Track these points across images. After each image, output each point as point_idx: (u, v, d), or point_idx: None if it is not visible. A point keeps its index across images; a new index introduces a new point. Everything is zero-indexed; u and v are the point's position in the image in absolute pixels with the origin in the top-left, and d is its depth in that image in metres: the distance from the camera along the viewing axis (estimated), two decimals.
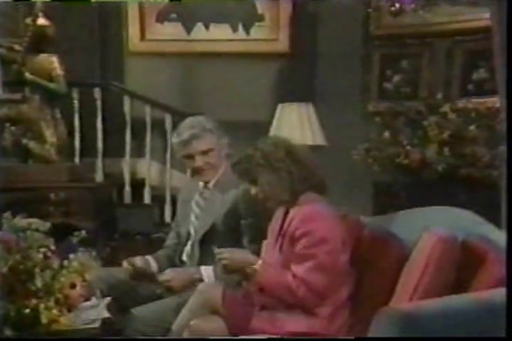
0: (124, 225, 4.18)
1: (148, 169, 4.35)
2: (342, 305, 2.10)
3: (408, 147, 3.84)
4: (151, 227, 4.10)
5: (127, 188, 4.37)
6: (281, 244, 2.13)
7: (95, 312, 2.07)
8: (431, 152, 3.77)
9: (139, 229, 4.05)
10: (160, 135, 4.40)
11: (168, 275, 2.40)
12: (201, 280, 2.37)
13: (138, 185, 4.37)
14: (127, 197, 4.37)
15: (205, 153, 2.46)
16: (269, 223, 2.25)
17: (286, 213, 2.17)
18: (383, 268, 2.09)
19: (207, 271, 2.39)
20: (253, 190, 2.17)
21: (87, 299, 2.12)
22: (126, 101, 4.34)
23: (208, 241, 2.43)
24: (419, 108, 3.88)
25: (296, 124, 3.61)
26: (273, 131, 3.73)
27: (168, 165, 4.28)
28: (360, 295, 2.12)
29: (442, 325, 1.65)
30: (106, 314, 2.08)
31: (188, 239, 2.55)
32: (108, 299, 2.16)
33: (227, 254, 2.11)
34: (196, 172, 2.52)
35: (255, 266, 2.07)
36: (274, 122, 3.74)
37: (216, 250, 2.13)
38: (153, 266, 2.52)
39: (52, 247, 2.06)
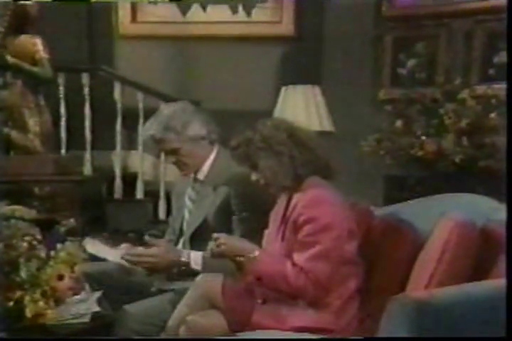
0: (114, 222, 4.21)
1: (140, 162, 4.38)
2: (350, 298, 2.12)
3: (423, 137, 3.86)
4: (144, 225, 4.13)
5: (118, 182, 4.41)
6: (284, 232, 2.15)
7: (85, 306, 2.10)
8: (447, 142, 3.79)
9: (131, 227, 4.08)
10: None
11: (155, 251, 2.40)
12: (187, 264, 2.39)
13: (129, 179, 4.41)
14: (118, 192, 4.40)
15: (172, 152, 2.50)
16: (265, 216, 2.28)
17: (289, 199, 2.20)
18: (396, 257, 2.12)
19: (196, 257, 2.41)
20: (254, 176, 2.19)
21: (76, 293, 2.15)
22: (117, 88, 4.38)
23: (198, 238, 2.45)
24: (435, 95, 3.90)
25: (301, 108, 3.64)
26: (276, 115, 3.75)
27: (163, 158, 4.31)
28: (371, 287, 2.14)
29: (459, 314, 1.68)
30: (96, 308, 2.11)
31: (180, 236, 2.59)
32: (99, 292, 2.18)
33: (225, 240, 2.13)
34: (174, 165, 2.56)
35: (252, 255, 2.10)
36: (278, 106, 3.77)
37: (215, 234, 2.15)
38: None
39: (38, 236, 2.08)
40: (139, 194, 4.38)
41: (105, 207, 4.34)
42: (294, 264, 2.06)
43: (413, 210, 2.27)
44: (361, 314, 2.12)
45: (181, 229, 2.59)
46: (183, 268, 2.40)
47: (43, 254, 2.06)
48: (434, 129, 3.87)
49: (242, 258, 2.10)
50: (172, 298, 2.36)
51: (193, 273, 2.37)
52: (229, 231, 2.42)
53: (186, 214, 2.59)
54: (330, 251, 2.05)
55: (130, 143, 4.56)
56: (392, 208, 2.41)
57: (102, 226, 4.09)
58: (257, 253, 2.10)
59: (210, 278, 2.23)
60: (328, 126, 3.78)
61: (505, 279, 1.79)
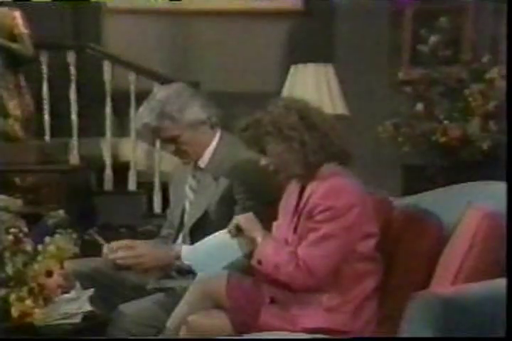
0: (104, 217, 4.24)
1: (133, 150, 4.41)
2: (368, 297, 2.14)
3: (446, 122, 3.89)
4: (137, 219, 4.17)
5: (108, 173, 4.44)
6: (297, 224, 2.18)
7: (76, 305, 2.13)
8: (473, 127, 3.81)
9: (123, 221, 4.12)
10: None
11: (141, 249, 2.41)
12: (178, 262, 2.40)
13: (121, 169, 4.43)
14: (108, 184, 4.43)
15: (170, 140, 2.50)
16: (271, 207, 2.31)
17: (303, 189, 2.22)
18: (419, 251, 2.14)
19: (188, 251, 2.40)
20: (263, 161, 2.21)
21: (66, 291, 2.17)
22: (106, 68, 4.39)
23: (198, 232, 2.46)
24: (461, 74, 3.92)
25: (312, 89, 3.66)
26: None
27: (158, 145, 4.33)
28: (391, 284, 2.16)
29: (489, 311, 1.70)
30: (88, 307, 2.14)
31: (180, 230, 2.60)
32: (91, 291, 2.21)
33: (243, 216, 2.21)
34: (174, 154, 2.58)
35: (260, 238, 2.16)
36: (286, 87, 3.79)
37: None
38: None
39: (25, 229, 2.11)
40: (132, 185, 4.40)
41: (94, 199, 4.37)
42: (293, 252, 2.10)
43: (436, 200, 2.29)
44: (380, 314, 2.14)
45: (182, 222, 2.60)
46: (177, 264, 2.42)
47: (29, 248, 2.08)
48: (459, 113, 3.90)
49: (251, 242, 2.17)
50: (171, 297, 2.38)
51: (186, 272, 2.39)
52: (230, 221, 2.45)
53: (187, 206, 2.61)
54: (331, 238, 2.07)
55: (121, 129, 4.60)
56: (413, 198, 2.43)
57: (91, 221, 4.12)
58: (263, 237, 2.15)
59: (213, 275, 2.25)
60: (341, 109, 3.80)
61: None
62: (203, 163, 2.57)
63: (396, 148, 4.01)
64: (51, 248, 2.10)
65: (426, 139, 3.93)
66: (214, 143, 2.55)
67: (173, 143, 2.50)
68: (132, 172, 4.41)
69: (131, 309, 2.37)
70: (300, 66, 3.78)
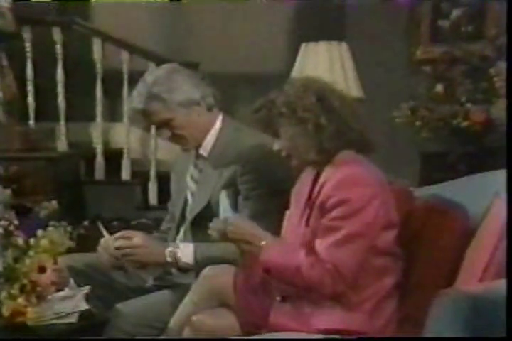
0: (95, 208, 4.26)
1: (126, 136, 4.42)
2: (387, 295, 2.16)
3: (468, 104, 3.91)
4: (131, 211, 4.19)
5: (99, 161, 4.45)
6: (309, 215, 2.19)
7: (71, 303, 2.15)
8: (498, 110, 3.82)
9: (116, 214, 4.14)
10: None
11: (137, 240, 2.43)
12: (176, 258, 2.43)
13: (113, 157, 4.45)
14: (99, 173, 4.45)
15: (163, 124, 2.52)
16: (278, 198, 2.34)
17: (317, 177, 2.23)
18: (443, 246, 2.15)
19: (185, 250, 2.44)
20: (276, 145, 2.23)
21: (59, 289, 2.20)
22: (96, 46, 4.39)
23: (200, 225, 2.46)
24: (485, 51, 3.92)
25: (324, 69, 3.67)
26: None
27: (153, 131, 4.34)
28: (412, 281, 2.18)
29: None
30: (85, 306, 2.17)
31: (181, 224, 2.62)
32: (87, 288, 2.24)
33: (234, 220, 2.16)
34: (170, 141, 2.59)
35: (263, 243, 2.13)
36: (296, 67, 3.80)
37: (223, 210, 2.19)
38: None
39: (15, 221, 2.13)
40: (125, 175, 4.42)
41: (84, 190, 4.39)
42: (310, 253, 2.10)
43: (461, 190, 2.31)
44: (400, 314, 2.16)
45: (183, 215, 2.63)
46: (172, 262, 2.45)
47: (21, 242, 2.10)
48: (482, 94, 3.91)
49: (249, 246, 2.14)
50: (173, 295, 2.42)
51: (186, 269, 2.43)
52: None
53: (189, 198, 2.63)
54: (357, 237, 2.09)
55: (113, 114, 4.62)
56: (435, 188, 2.45)
57: (81, 213, 4.14)
58: (265, 241, 2.14)
59: (219, 271, 2.27)
60: (356, 91, 3.81)
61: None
62: (204, 150, 2.58)
63: (413, 133, 4.02)
64: (44, 242, 2.12)
65: (446, 124, 3.95)
66: (216, 128, 2.57)
67: (167, 127, 2.52)
68: (126, 161, 4.43)
69: (129, 308, 2.40)
70: (311, 44, 3.79)
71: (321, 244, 2.10)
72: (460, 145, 3.96)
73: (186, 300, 2.27)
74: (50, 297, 2.15)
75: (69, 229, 2.18)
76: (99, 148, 4.45)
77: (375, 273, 2.15)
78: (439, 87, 4.00)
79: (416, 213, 2.25)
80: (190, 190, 2.63)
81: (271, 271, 2.12)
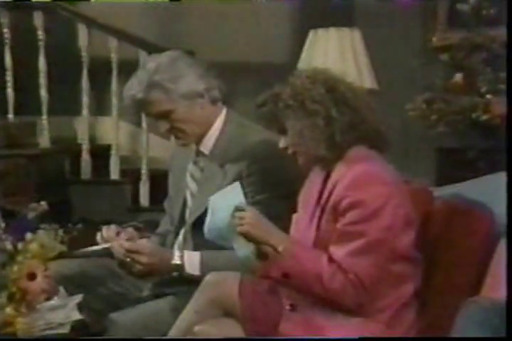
0: (81, 210, 4.28)
1: (115, 132, 4.43)
2: (406, 304, 2.18)
3: (489, 96, 3.91)
4: (120, 213, 4.19)
5: (85, 158, 4.46)
6: (320, 218, 2.21)
7: (63, 313, 2.18)
8: None
9: (104, 216, 4.14)
10: None
11: (142, 246, 2.47)
12: (180, 268, 2.45)
13: (100, 154, 4.47)
14: (86, 171, 4.46)
15: (163, 116, 2.53)
16: (289, 201, 2.35)
17: (327, 176, 2.26)
18: (467, 250, 2.18)
19: (191, 259, 2.47)
20: (282, 143, 2.25)
21: (49, 297, 2.22)
22: (82, 32, 4.39)
23: (201, 229, 2.43)
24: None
25: (335, 58, 3.68)
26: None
27: (145, 125, 4.37)
28: (433, 289, 2.21)
29: None
30: (77, 316, 2.19)
31: (180, 227, 2.64)
32: (79, 297, 2.26)
33: (251, 218, 2.17)
34: (168, 134, 2.61)
35: (282, 246, 2.15)
36: (303, 56, 3.81)
37: (237, 206, 2.20)
38: None
39: (2, 224, 2.15)
40: (114, 173, 4.44)
41: (69, 190, 4.40)
42: (330, 260, 2.13)
43: (485, 190, 2.33)
44: (421, 323, 2.19)
45: (183, 218, 2.65)
46: (176, 273, 2.48)
47: (9, 247, 2.12)
48: (505, 85, 3.91)
49: (267, 248, 2.16)
50: (172, 304, 2.45)
51: (189, 280, 2.44)
52: None
53: (189, 198, 2.65)
54: (378, 244, 2.11)
55: (100, 107, 4.63)
56: (456, 187, 2.47)
57: (66, 215, 4.16)
58: (286, 244, 2.16)
59: (223, 277, 2.29)
60: (370, 82, 3.83)
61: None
62: (206, 147, 2.60)
63: (429, 128, 4.02)
64: (33, 246, 2.14)
65: (465, 117, 3.94)
66: (219, 123, 2.59)
67: (167, 120, 2.53)
68: (114, 158, 4.44)
69: (125, 318, 2.42)
70: (320, 31, 3.80)
71: (339, 252, 2.12)
72: (480, 141, 3.97)
73: (187, 308, 2.29)
74: (39, 306, 2.17)
75: (60, 232, 2.20)
76: (85, 145, 4.46)
77: (393, 280, 2.17)
78: (458, 77, 4.00)
79: (436, 214, 2.28)
80: (190, 190, 2.65)
81: (291, 276, 2.14)
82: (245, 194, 2.44)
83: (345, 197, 2.13)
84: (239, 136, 2.57)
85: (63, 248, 2.20)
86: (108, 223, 4.07)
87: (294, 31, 4.47)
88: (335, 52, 3.73)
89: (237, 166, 2.52)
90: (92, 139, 4.55)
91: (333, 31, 3.79)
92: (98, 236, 2.55)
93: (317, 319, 2.17)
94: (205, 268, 2.43)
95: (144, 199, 4.38)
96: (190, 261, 2.47)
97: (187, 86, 2.52)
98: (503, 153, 3.85)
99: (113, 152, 4.44)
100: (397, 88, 4.23)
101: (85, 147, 4.46)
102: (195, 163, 2.65)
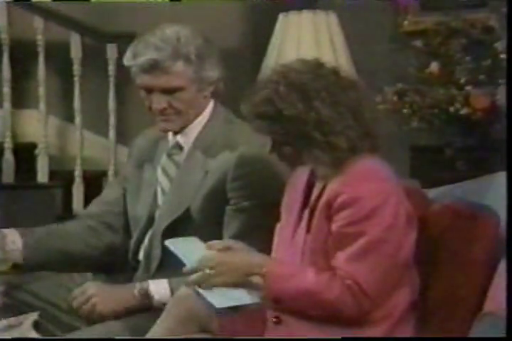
0: (5, 219, 4.26)
1: (43, 128, 4.43)
2: (403, 315, 2.26)
3: (469, 87, 3.99)
4: (50, 221, 4.16)
5: (8, 158, 4.44)
6: (309, 220, 2.29)
7: (18, 333, 2.22)
8: (505, 94, 3.90)
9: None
10: (61, 69, 4.51)
11: (92, 288, 2.52)
12: (147, 300, 2.52)
13: (25, 153, 4.47)
14: (8, 173, 4.44)
15: (169, 91, 2.58)
16: (277, 208, 2.42)
17: (312, 174, 2.35)
18: (470, 257, 2.26)
19: (158, 288, 2.53)
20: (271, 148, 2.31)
21: None
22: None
23: (173, 235, 2.51)
24: (489, 21, 4.01)
25: (309, 45, 3.75)
26: (269, 59, 3.82)
27: (78, 120, 4.40)
28: (432, 300, 2.30)
29: None
30: (34, 335, 2.23)
31: (147, 228, 2.68)
32: (35, 315, 2.31)
33: (219, 257, 2.26)
34: (155, 114, 2.64)
35: (264, 270, 2.22)
36: (272, 41, 3.87)
37: (198, 246, 2.29)
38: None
39: None
40: (42, 176, 4.44)
41: None
42: (321, 269, 2.20)
43: (484, 192, 2.42)
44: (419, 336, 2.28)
45: (151, 220, 2.68)
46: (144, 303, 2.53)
47: None
48: (486, 75, 3.99)
49: (254, 277, 2.24)
50: (126, 324, 2.50)
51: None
52: (218, 227, 2.55)
53: (159, 196, 2.69)
54: (380, 245, 2.19)
55: (24, 98, 4.62)
56: (450, 188, 2.56)
57: None
58: (266, 267, 2.23)
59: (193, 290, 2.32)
60: (348, 71, 3.88)
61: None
62: (185, 140, 2.66)
63: (401, 123, 4.09)
64: None
65: (441, 111, 4.02)
66: (204, 117, 2.66)
67: (169, 97, 2.57)
68: (42, 158, 4.45)
69: (89, 335, 2.45)
70: (292, 14, 3.87)
71: (339, 257, 2.20)
72: (459, 138, 4.07)
73: (157, 325, 2.33)
74: None
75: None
76: (7, 143, 4.45)
77: (390, 287, 2.24)
78: (433, 66, 4.07)
79: (434, 219, 2.36)
80: (161, 186, 2.69)
81: (282, 300, 2.22)
82: (228, 200, 2.55)
83: (340, 194, 2.22)
84: (225, 133, 2.63)
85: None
86: None
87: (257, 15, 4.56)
88: (309, 38, 3.80)
89: (221, 167, 2.57)
90: (15, 136, 4.54)
91: (306, 15, 3.87)
92: None
93: (305, 332, 2.23)
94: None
95: (78, 205, 4.40)
96: (158, 288, 2.52)
97: (209, 67, 2.60)
98: (484, 151, 3.96)
99: (41, 151, 4.44)
100: (364, 78, 4.28)
101: (7, 145, 4.44)
102: (170, 156, 2.70)
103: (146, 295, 2.53)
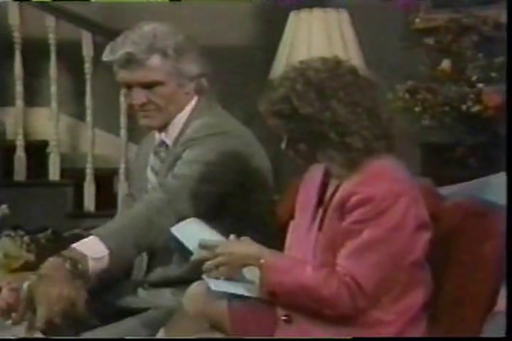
0: (14, 217, 4.26)
1: (54, 126, 4.44)
2: (415, 317, 2.26)
3: (480, 85, 4.01)
4: (61, 220, 4.19)
5: (20, 156, 4.45)
6: (322, 219, 2.29)
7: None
8: None
9: (41, 223, 4.11)
10: (73, 67, 4.52)
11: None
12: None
13: (37, 151, 4.49)
14: (19, 171, 4.46)
15: (148, 86, 2.59)
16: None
17: (327, 173, 2.35)
18: (483, 256, 2.26)
19: (89, 242, 2.38)
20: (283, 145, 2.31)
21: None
22: (12, 8, 4.39)
23: None
24: (501, 18, 3.96)
25: (321, 43, 3.74)
26: (280, 57, 3.83)
27: (90, 118, 4.40)
28: (445, 299, 2.30)
29: None
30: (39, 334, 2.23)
31: None
32: None
33: (224, 248, 2.27)
34: (136, 110, 2.64)
35: (261, 261, 2.24)
36: (283, 40, 3.87)
37: (203, 241, 2.28)
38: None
39: None
40: (54, 174, 4.45)
41: (1, 192, 4.38)
42: (323, 265, 2.21)
43: (497, 189, 2.42)
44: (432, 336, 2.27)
45: None
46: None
47: None
48: (498, 72, 3.99)
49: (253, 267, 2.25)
50: (138, 322, 2.52)
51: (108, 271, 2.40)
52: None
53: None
54: (381, 244, 2.19)
55: (36, 96, 4.63)
56: (462, 187, 2.58)
57: None
58: (263, 259, 2.24)
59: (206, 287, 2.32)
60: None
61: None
62: (169, 137, 2.67)
63: (412, 121, 4.08)
64: None
65: (453, 109, 4.04)
66: (186, 112, 2.66)
67: (148, 92, 2.58)
68: (54, 156, 4.46)
69: (100, 335, 2.47)
70: (303, 12, 3.87)
71: (341, 253, 2.21)
72: (470, 136, 4.07)
73: (168, 327, 2.36)
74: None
75: (26, 239, 2.23)
76: (19, 141, 4.45)
77: (401, 289, 2.24)
78: (445, 63, 4.09)
79: (446, 217, 2.36)
80: (151, 184, 2.70)
81: (277, 294, 2.22)
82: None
83: (354, 194, 2.22)
84: (205, 126, 2.62)
85: (30, 257, 2.23)
86: (47, 231, 4.12)
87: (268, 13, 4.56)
88: (321, 36, 3.80)
89: (203, 164, 2.55)
90: (27, 134, 4.55)
91: (317, 12, 3.87)
92: None
93: (315, 332, 2.23)
94: (113, 242, 2.38)
95: (89, 203, 4.41)
96: (87, 243, 2.38)
97: (187, 62, 2.60)
98: (495, 149, 3.97)
99: (52, 149, 4.45)
100: (377, 76, 4.29)
101: (19, 143, 4.44)
102: (156, 153, 2.72)
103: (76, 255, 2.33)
